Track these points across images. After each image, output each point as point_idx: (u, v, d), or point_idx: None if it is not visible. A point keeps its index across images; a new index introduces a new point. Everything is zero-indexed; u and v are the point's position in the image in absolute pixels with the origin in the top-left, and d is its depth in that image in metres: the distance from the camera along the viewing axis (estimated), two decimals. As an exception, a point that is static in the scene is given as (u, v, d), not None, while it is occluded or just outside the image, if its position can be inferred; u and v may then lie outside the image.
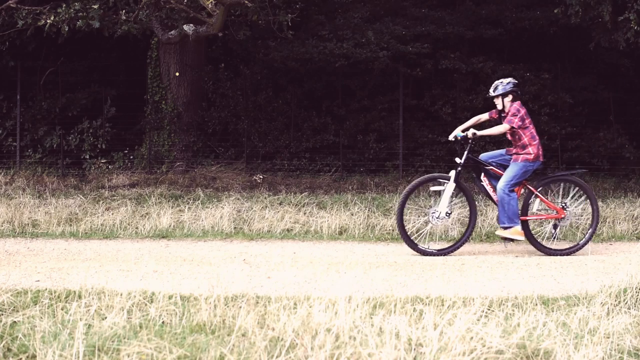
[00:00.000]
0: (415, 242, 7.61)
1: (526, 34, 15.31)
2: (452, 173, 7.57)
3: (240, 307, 4.50)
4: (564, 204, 7.69)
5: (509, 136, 7.73)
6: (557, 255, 7.56)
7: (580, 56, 15.39)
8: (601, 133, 14.77)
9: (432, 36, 14.58)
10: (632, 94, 15.32)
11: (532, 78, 14.76)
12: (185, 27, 10.89)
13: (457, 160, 7.65)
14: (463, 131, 7.71)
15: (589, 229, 7.69)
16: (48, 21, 10.10)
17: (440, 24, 14.70)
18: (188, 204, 9.70)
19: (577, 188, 7.74)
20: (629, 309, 4.84)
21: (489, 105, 15.00)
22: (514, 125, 7.53)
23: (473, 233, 8.57)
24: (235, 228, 7.92)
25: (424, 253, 7.50)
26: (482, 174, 7.73)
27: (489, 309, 4.68)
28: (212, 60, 15.03)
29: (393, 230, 8.61)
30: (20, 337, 4.06)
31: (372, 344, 3.80)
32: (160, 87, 14.10)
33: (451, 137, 7.76)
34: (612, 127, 14.83)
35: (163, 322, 4.48)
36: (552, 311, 4.87)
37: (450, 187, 7.55)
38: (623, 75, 15.32)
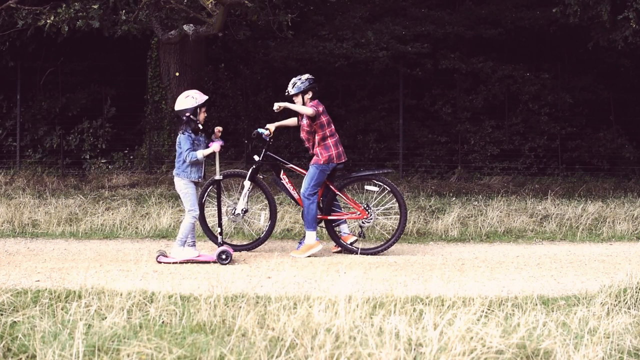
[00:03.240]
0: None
1: (526, 34, 15.31)
2: (249, 171, 7.50)
3: (240, 307, 4.50)
4: (366, 205, 7.47)
5: (304, 135, 7.58)
6: (362, 254, 7.34)
7: (580, 56, 15.40)
8: (601, 133, 14.78)
9: (432, 36, 14.58)
10: (632, 94, 15.32)
11: (532, 78, 14.76)
12: (185, 27, 10.88)
13: (255, 157, 7.58)
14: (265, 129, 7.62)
15: (397, 229, 7.44)
16: (48, 21, 10.10)
17: (440, 24, 14.69)
18: (188, 204, 9.71)
19: (388, 188, 7.44)
20: (629, 309, 4.84)
21: (489, 105, 15.04)
22: (319, 110, 7.28)
23: (472, 234, 8.60)
24: (234, 228, 7.91)
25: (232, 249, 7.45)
26: (282, 172, 7.63)
27: (489, 309, 4.68)
28: (212, 60, 15.03)
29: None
30: (20, 337, 4.06)
31: (372, 344, 3.80)
32: (160, 87, 14.09)
33: (253, 134, 7.68)
34: (612, 127, 14.83)
35: (163, 322, 4.48)
36: (552, 311, 4.87)
37: (246, 184, 7.47)
38: (623, 75, 15.33)
